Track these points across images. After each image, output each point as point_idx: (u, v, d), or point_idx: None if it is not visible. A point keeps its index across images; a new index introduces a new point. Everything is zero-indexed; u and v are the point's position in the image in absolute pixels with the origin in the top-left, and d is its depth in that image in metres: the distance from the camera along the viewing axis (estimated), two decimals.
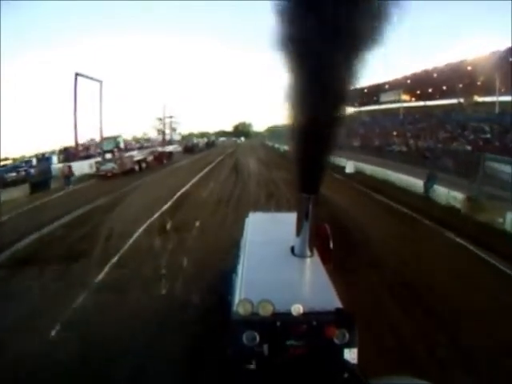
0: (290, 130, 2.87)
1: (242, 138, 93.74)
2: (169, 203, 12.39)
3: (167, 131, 58.99)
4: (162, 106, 57.82)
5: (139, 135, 61.88)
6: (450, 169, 18.68)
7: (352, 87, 2.43)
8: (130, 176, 20.58)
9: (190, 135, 77.21)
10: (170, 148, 38.38)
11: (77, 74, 29.54)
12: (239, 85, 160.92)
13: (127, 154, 23.70)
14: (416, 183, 14.38)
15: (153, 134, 59.70)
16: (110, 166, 21.10)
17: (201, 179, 18.57)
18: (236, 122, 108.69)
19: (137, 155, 24.94)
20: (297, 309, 2.31)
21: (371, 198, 13.70)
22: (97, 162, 21.98)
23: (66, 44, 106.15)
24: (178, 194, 14.21)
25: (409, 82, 42.72)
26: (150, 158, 26.24)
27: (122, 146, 23.42)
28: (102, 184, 18.59)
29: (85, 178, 21.01)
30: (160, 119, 57.88)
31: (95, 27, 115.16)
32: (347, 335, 2.35)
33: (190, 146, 45.77)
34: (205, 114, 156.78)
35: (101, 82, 31.73)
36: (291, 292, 2.70)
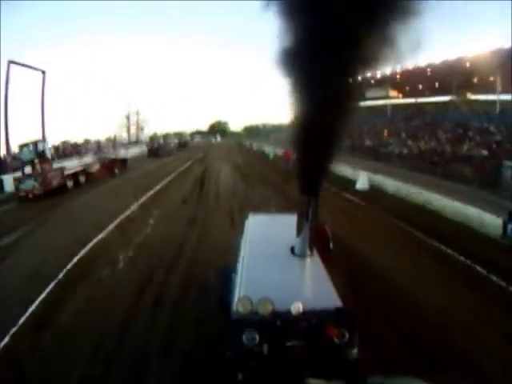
0: (292, 132, 2.94)
1: (218, 138, 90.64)
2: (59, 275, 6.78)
3: (133, 131, 51.09)
4: (127, 102, 49.14)
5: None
6: (467, 178, 15.23)
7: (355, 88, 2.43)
8: (56, 197, 15.19)
9: (160, 135, 70.30)
10: (121, 153, 31.06)
11: (10, 62, 23.55)
12: (215, 83, 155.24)
13: (57, 166, 17.51)
14: (475, 214, 9.68)
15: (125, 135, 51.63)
16: (29, 183, 15.22)
17: (146, 204, 13.31)
18: (212, 121, 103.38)
19: (71, 166, 18.87)
20: (296, 308, 2.34)
21: (433, 252, 7.98)
22: (15, 179, 16.02)
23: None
24: (94, 241, 8.88)
25: (398, 78, 40.53)
26: (96, 168, 20.34)
27: (48, 153, 16.32)
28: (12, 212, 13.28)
29: (12, 197, 15.64)
30: (127, 117, 49.96)
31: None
32: (347, 334, 2.34)
33: (154, 149, 38.62)
34: (181, 114, 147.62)
35: (43, 71, 25.95)
36: (291, 291, 2.72)
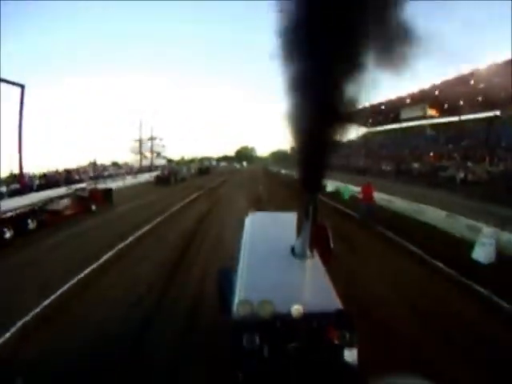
0: (291, 129, 2.87)
1: (244, 163, 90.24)
2: None
3: (148, 155, 46.24)
4: (139, 124, 44.65)
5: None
6: None
7: (357, 90, 2.41)
8: None
9: (187, 160, 70.29)
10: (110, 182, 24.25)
11: None
12: (242, 110, 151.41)
13: None
14: None
15: (133, 158, 46.79)
16: None
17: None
18: (238, 147, 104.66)
19: (14, 206, 13.67)
20: (297, 310, 2.35)
21: None
22: None
23: None
24: None
25: (436, 93, 36.77)
26: (64, 205, 14.95)
27: None
28: None
29: None
30: (139, 141, 45.37)
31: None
32: (347, 336, 2.35)
33: (164, 176, 32.95)
34: (209, 140, 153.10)
35: (22, 86, 21.91)
36: (291, 293, 2.71)
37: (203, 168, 55.50)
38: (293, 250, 3.53)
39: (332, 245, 4.47)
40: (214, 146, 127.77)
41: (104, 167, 35.88)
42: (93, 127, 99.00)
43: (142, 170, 40.77)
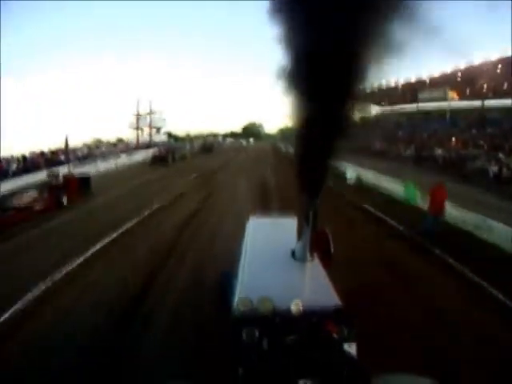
0: (294, 133, 2.89)
1: (251, 140, 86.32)
2: None
3: (146, 131, 42.96)
4: (137, 98, 41.28)
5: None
6: None
7: (360, 90, 2.39)
8: None
9: (192, 136, 68.29)
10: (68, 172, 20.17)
11: None
12: (250, 84, 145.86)
13: None
14: None
15: (133, 135, 43.58)
16: None
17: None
18: (246, 123, 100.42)
19: None
20: (296, 306, 2.38)
21: None
22: None
23: None
24: None
25: (458, 76, 36.27)
26: (27, 199, 12.52)
27: None
28: None
29: None
30: (138, 115, 41.90)
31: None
32: (346, 332, 2.40)
33: (161, 155, 30.84)
34: (214, 115, 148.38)
35: None
36: (291, 290, 2.74)
37: (206, 145, 52.48)
38: (293, 253, 3.57)
39: (332, 250, 4.45)
40: (221, 122, 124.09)
41: (96, 146, 32.68)
42: (95, 105, 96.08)
43: (139, 147, 37.54)
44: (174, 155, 31.10)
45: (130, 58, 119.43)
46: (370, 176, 18.51)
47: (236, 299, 2.68)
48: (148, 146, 38.86)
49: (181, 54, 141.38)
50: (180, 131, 72.80)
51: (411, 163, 26.21)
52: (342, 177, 18.34)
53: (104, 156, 28.70)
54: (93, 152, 29.61)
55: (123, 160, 29.60)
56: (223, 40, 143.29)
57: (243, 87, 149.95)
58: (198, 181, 19.39)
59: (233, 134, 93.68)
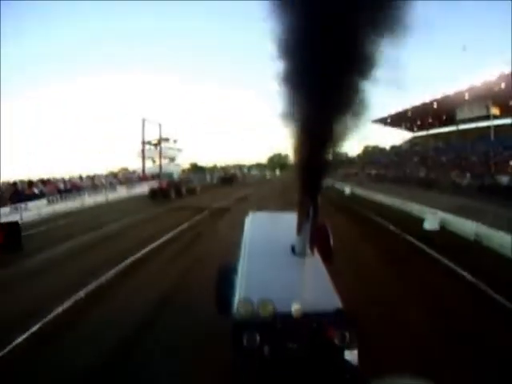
0: (290, 130, 3.02)
1: (277, 171, 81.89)
2: None
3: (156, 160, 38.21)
4: (143, 122, 36.87)
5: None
6: None
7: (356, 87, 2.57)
8: None
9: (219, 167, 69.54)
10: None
11: None
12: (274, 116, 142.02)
13: None
14: None
15: (137, 165, 39.03)
16: None
17: None
18: (271, 154, 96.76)
19: None
20: (297, 309, 2.40)
21: None
22: None
23: None
24: None
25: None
26: None
27: None
28: None
29: None
30: (150, 143, 37.11)
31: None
32: (347, 336, 2.40)
33: (161, 188, 26.93)
34: (242, 147, 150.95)
35: None
36: (291, 292, 2.78)
37: (227, 176, 49.06)
38: (293, 249, 3.71)
39: (332, 244, 4.53)
40: (247, 153, 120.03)
41: (90, 177, 27.62)
42: (101, 131, 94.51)
43: (145, 178, 32.35)
44: (179, 189, 27.68)
45: (151, 84, 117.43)
46: (464, 224, 12.23)
47: (236, 302, 2.68)
48: (158, 176, 33.47)
49: (209, 84, 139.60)
50: (206, 162, 72.30)
51: (477, 194, 21.43)
52: (413, 224, 13.76)
53: (96, 188, 23.23)
54: (80, 183, 24.20)
55: (120, 193, 24.29)
56: (249, 65, 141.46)
57: (270, 117, 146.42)
58: (191, 229, 14.34)
59: (258, 165, 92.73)
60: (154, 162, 39.69)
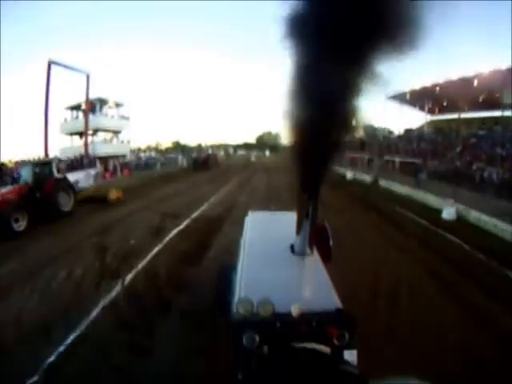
0: (292, 126, 3.02)
1: (267, 152, 73.73)
2: None
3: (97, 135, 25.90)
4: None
5: None
6: None
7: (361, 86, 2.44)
8: None
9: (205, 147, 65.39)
10: None
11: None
12: (265, 93, 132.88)
13: None
14: None
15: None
16: None
17: None
18: (260, 133, 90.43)
19: None
20: (297, 309, 2.40)
21: None
22: None
23: None
24: None
25: None
26: None
27: None
28: None
29: None
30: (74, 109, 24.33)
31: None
32: (347, 336, 2.45)
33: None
34: (228, 126, 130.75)
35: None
36: (291, 292, 2.89)
37: (199, 160, 39.94)
38: (292, 248, 3.82)
39: (332, 243, 4.58)
40: (235, 132, 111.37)
41: None
42: None
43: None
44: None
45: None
46: None
47: (236, 301, 2.70)
48: (81, 162, 20.85)
49: (193, 57, 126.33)
50: (190, 141, 69.91)
51: None
52: None
53: None
54: None
55: None
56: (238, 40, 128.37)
57: (259, 93, 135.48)
58: None
59: (246, 145, 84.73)
60: (82, 137, 27.06)
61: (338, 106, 2.43)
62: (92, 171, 24.37)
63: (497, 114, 35.95)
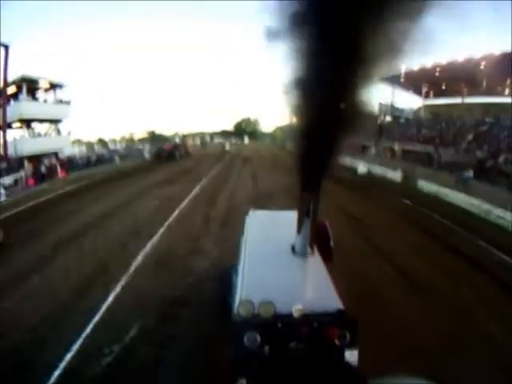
0: (293, 126, 3.20)
1: (246, 139, 70.66)
2: None
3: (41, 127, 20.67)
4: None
5: None
6: None
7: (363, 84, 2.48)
8: None
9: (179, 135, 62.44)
10: None
11: None
12: (244, 78, 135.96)
13: None
14: None
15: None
16: None
17: None
18: (239, 120, 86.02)
19: None
20: (298, 310, 2.48)
21: None
22: None
23: None
24: None
25: None
26: None
27: None
28: None
29: None
30: None
31: None
32: (348, 336, 2.52)
33: None
34: (205, 114, 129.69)
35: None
36: (292, 293, 2.92)
37: (162, 151, 35.55)
38: (293, 247, 3.89)
39: (332, 242, 4.67)
40: (213, 120, 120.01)
41: None
42: None
43: None
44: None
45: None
46: None
47: (237, 303, 2.79)
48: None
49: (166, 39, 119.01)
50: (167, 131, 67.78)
51: None
52: None
53: None
54: None
55: None
56: (213, 19, 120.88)
57: (236, 78, 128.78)
58: None
59: (224, 133, 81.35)
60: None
61: (349, 86, 2.33)
62: (7, 179, 19.00)
63: (497, 100, 34.00)
